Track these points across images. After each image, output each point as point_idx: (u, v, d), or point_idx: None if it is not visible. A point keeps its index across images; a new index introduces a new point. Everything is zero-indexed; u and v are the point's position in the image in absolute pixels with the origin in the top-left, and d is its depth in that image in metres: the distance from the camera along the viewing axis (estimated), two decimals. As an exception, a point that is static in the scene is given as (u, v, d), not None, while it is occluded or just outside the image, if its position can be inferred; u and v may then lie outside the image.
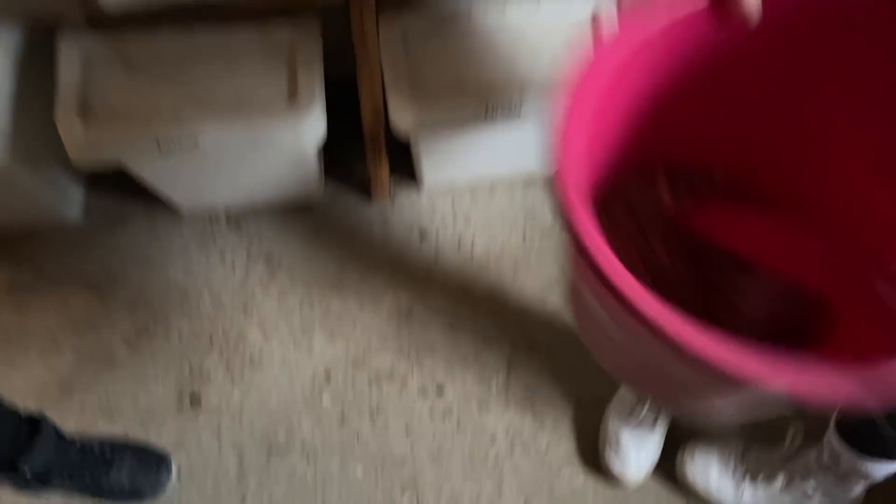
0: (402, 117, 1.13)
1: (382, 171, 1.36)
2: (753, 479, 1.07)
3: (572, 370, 1.24)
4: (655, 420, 1.13)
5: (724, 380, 0.50)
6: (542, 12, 1.15)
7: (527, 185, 1.44)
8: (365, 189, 1.40)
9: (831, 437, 0.95)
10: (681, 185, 0.84)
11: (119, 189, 1.39)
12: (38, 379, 1.21)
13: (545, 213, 1.41)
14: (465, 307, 1.30)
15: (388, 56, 1.12)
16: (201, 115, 1.05)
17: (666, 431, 1.16)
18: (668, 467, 1.16)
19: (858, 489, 0.99)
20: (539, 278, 1.33)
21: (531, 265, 1.34)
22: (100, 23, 1.08)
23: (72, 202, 1.35)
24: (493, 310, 1.29)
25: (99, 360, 1.23)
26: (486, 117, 1.13)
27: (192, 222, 1.37)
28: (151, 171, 1.20)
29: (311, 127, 1.08)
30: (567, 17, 1.15)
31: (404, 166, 1.39)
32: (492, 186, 1.44)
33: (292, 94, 1.09)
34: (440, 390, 1.23)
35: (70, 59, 1.06)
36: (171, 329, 1.26)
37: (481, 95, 1.11)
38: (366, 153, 1.31)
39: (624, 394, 1.15)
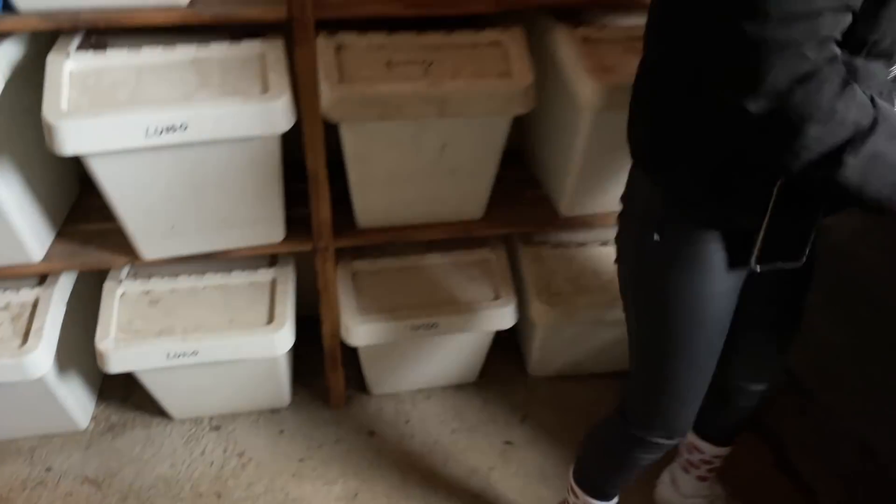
0: (353, 335, 1.52)
1: (338, 382, 1.72)
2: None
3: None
4: None
5: None
6: (450, 255, 1.61)
7: (456, 390, 1.79)
8: (324, 396, 1.74)
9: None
10: None
11: (122, 401, 1.72)
12: (37, 559, 1.41)
13: (470, 414, 1.74)
14: (403, 491, 1.56)
15: (342, 290, 1.55)
16: (203, 334, 1.44)
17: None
18: None
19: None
20: (465, 465, 1.62)
21: (459, 455, 1.64)
22: (138, 268, 1.51)
23: (84, 411, 1.66)
24: (427, 492, 1.56)
25: (91, 541, 1.44)
26: (415, 331, 1.53)
27: (180, 426, 1.67)
28: (157, 379, 1.54)
29: (282, 340, 1.47)
30: (468, 256, 1.62)
31: (357, 378, 1.75)
32: (428, 392, 1.79)
33: (271, 319, 1.49)
34: (381, 562, 1.45)
35: (110, 296, 1.47)
36: (155, 514, 1.50)
37: (410, 316, 1.52)
38: (325, 369, 1.68)
39: None
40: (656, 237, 0.93)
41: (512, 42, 1.32)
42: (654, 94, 0.92)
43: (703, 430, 1.34)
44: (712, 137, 0.83)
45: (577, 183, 1.46)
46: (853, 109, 0.68)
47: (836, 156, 0.69)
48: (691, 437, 1.36)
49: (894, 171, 0.71)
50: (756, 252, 0.88)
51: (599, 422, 1.23)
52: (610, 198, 1.49)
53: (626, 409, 1.13)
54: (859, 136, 0.68)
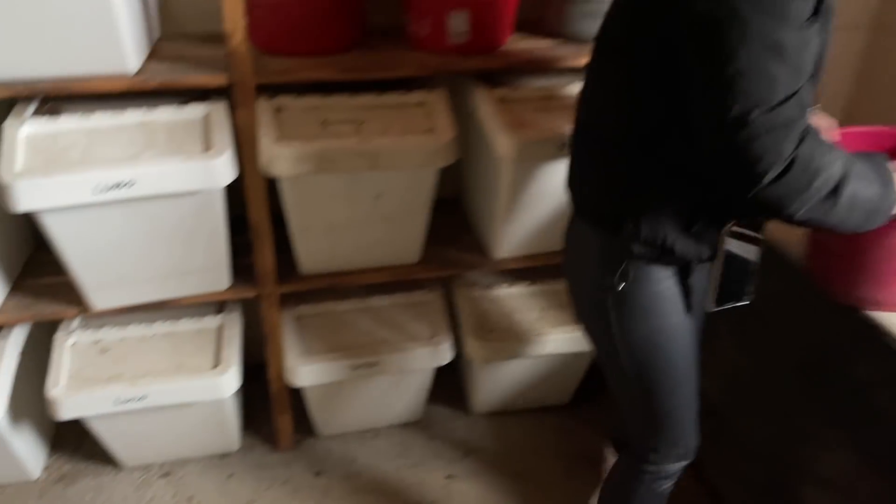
0: (296, 376, 1.60)
1: (286, 425, 1.78)
2: None
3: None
4: None
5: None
6: (390, 298, 1.72)
7: (402, 429, 1.87)
8: (273, 440, 1.80)
9: None
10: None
11: (74, 452, 1.75)
12: None
13: (416, 450, 1.82)
14: (349, 527, 1.62)
15: (287, 334, 1.64)
16: (150, 379, 1.50)
17: None
18: None
19: None
20: (410, 500, 1.68)
21: (404, 490, 1.71)
22: (89, 319, 1.58)
23: (37, 461, 1.69)
24: (372, 527, 1.62)
25: (39, 588, 1.47)
26: (356, 371, 1.62)
27: (130, 473, 1.71)
28: (107, 427, 1.59)
29: (228, 383, 1.54)
30: (407, 298, 1.72)
31: (306, 422, 1.81)
32: (375, 432, 1.86)
33: (217, 363, 1.56)
34: None
35: (61, 346, 1.54)
36: (104, 559, 1.53)
37: (351, 356, 1.61)
38: (272, 413, 1.75)
39: None
40: (621, 286, 0.98)
41: (436, 102, 1.46)
42: (597, 154, 0.99)
43: (625, 446, 1.44)
44: (678, 188, 0.92)
45: (504, 227, 1.59)
46: (835, 158, 0.82)
47: (831, 199, 0.82)
48: (613, 457, 1.46)
49: (866, 204, 0.86)
50: (713, 296, 0.98)
51: (614, 479, 1.27)
52: (537, 240, 1.62)
53: (642, 453, 1.18)
54: (844, 180, 0.82)
